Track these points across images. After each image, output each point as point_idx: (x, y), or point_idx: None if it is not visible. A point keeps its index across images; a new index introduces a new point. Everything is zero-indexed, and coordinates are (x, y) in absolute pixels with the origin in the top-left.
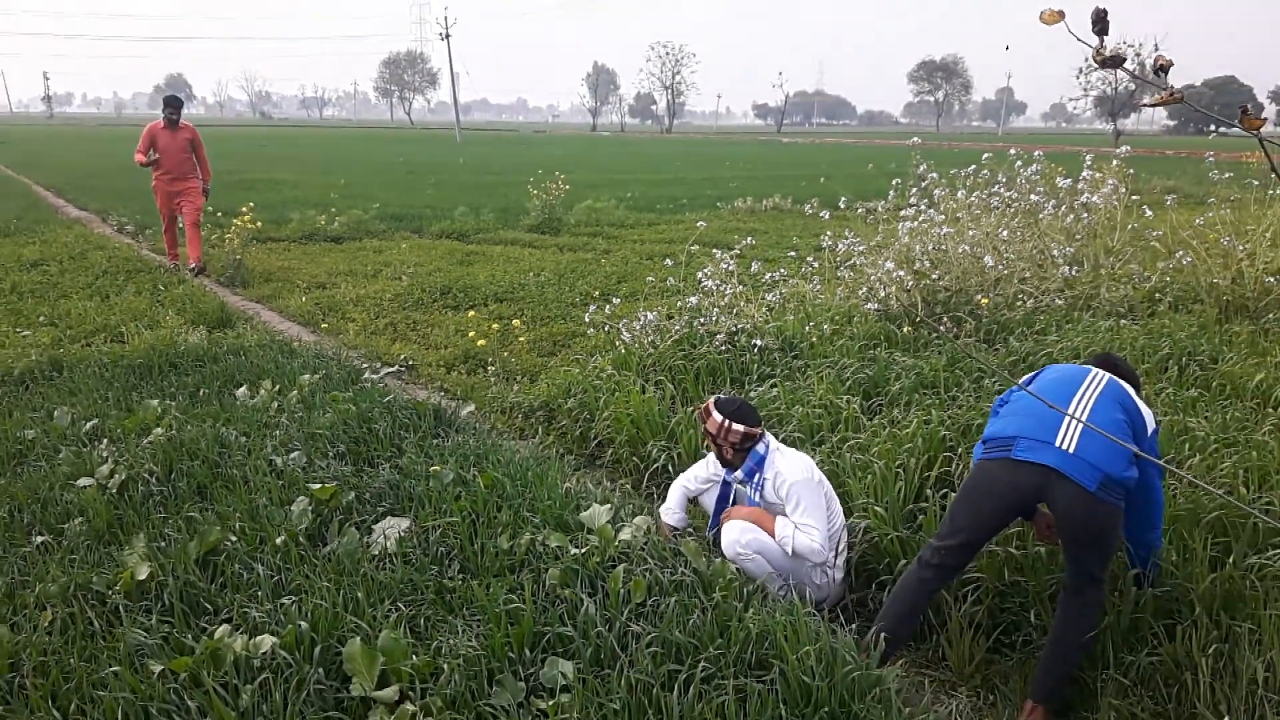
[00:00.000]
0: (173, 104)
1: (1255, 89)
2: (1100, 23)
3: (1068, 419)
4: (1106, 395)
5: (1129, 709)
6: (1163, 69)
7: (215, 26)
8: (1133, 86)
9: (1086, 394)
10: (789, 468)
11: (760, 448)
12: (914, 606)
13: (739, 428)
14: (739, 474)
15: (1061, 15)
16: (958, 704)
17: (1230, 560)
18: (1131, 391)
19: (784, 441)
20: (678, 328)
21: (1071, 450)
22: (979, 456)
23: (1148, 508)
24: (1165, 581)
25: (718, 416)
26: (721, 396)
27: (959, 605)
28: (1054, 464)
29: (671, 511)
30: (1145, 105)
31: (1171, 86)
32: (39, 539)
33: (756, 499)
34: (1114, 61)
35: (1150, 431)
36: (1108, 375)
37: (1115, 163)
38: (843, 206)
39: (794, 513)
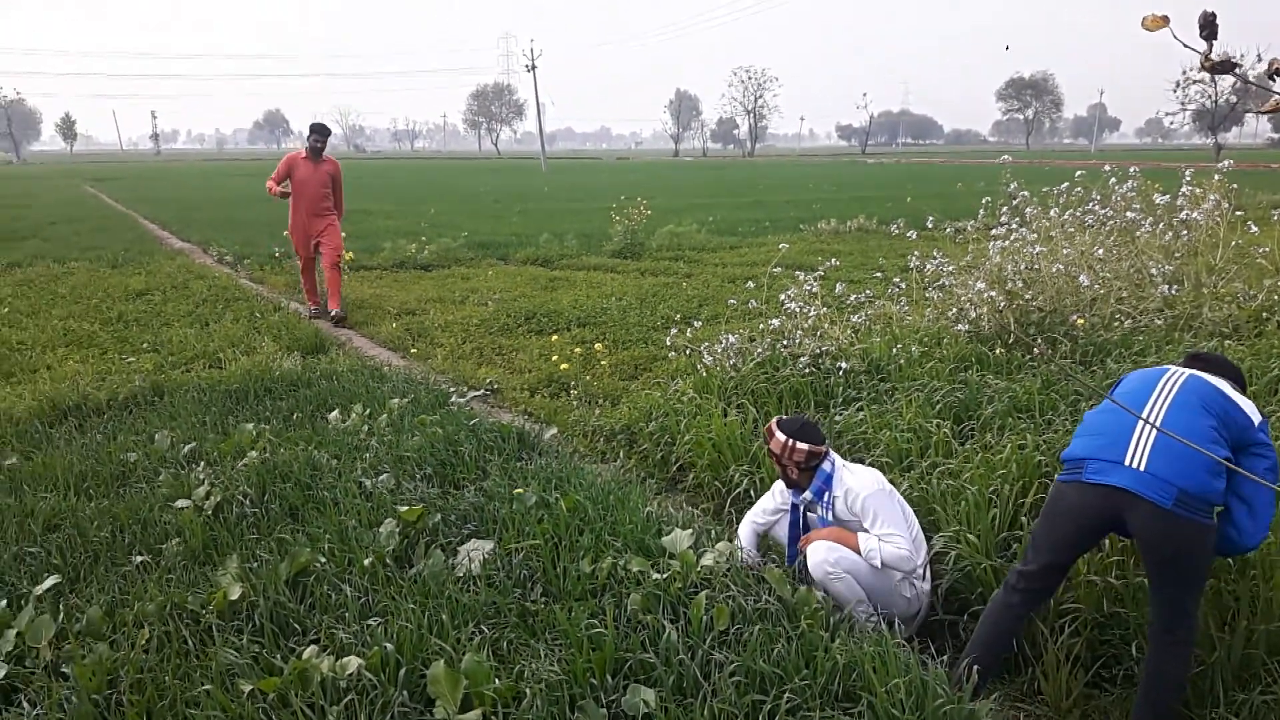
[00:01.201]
0: (320, 132)
1: None
2: (1208, 26)
3: (1137, 434)
4: (1185, 396)
5: None
6: (1277, 73)
7: (311, 63)
8: (1234, 99)
9: (1160, 398)
10: (858, 482)
11: (826, 466)
12: (1003, 634)
13: (804, 446)
14: (808, 494)
15: (1166, 20)
16: None
17: None
18: (1224, 386)
19: (872, 467)
20: (760, 350)
21: (1142, 468)
22: (1058, 479)
23: (1254, 509)
24: (1278, 615)
25: (781, 436)
26: (784, 417)
27: (1056, 637)
28: (1125, 484)
29: (743, 550)
30: (1259, 112)
31: None
32: (138, 559)
33: (829, 519)
34: (1224, 67)
35: (1258, 424)
36: (1188, 372)
37: (1217, 177)
38: (930, 226)
39: (873, 526)
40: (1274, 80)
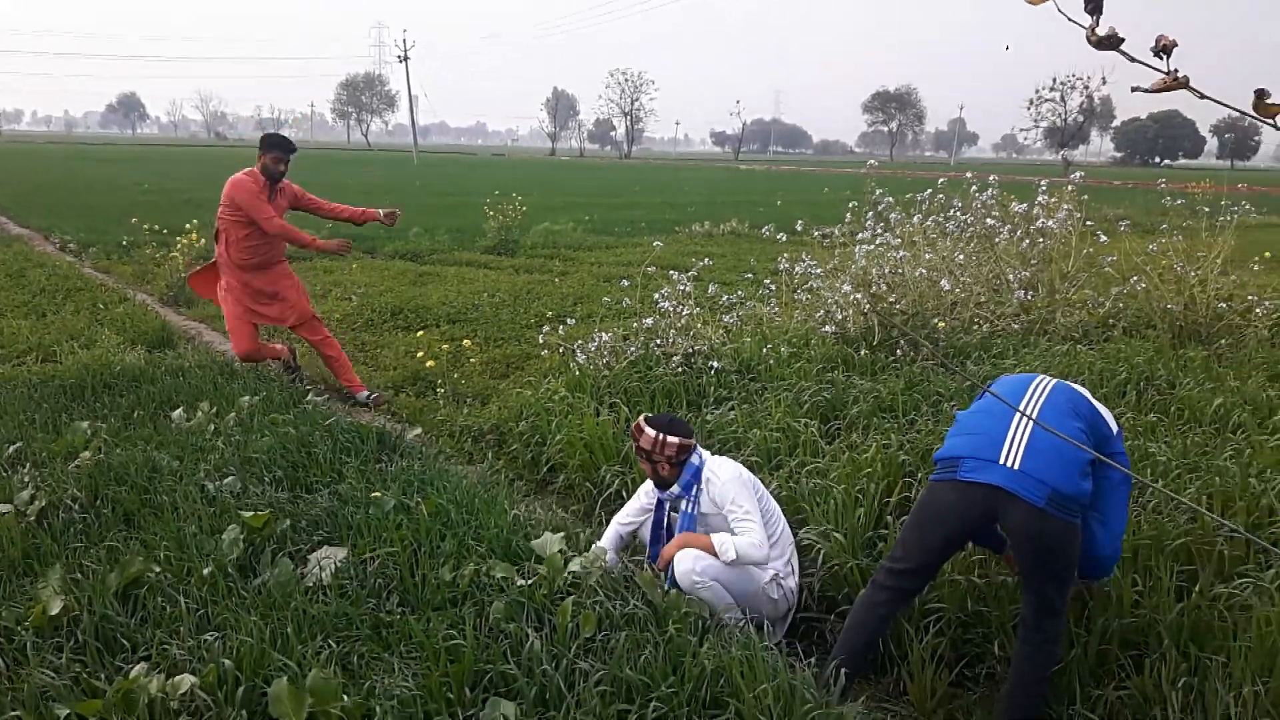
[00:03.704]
0: (281, 148)
1: (1198, 123)
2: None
3: (1011, 434)
4: (1055, 400)
5: None
6: (1165, 50)
7: (170, 46)
8: (1081, 118)
9: (1032, 402)
10: (722, 471)
11: (694, 459)
12: (871, 633)
13: (674, 440)
14: (675, 489)
15: None
16: None
17: (1197, 589)
18: (1086, 394)
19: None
20: (633, 349)
21: (1016, 467)
22: (931, 477)
23: (1107, 520)
24: (1129, 612)
25: (651, 432)
26: (651, 415)
27: (920, 637)
28: (1000, 483)
29: (606, 554)
30: (1147, 91)
31: (1175, 70)
32: None
33: (693, 513)
34: (1110, 42)
35: (1116, 433)
36: (1055, 380)
37: (1070, 188)
38: (799, 230)
39: (730, 508)
40: (1160, 58)
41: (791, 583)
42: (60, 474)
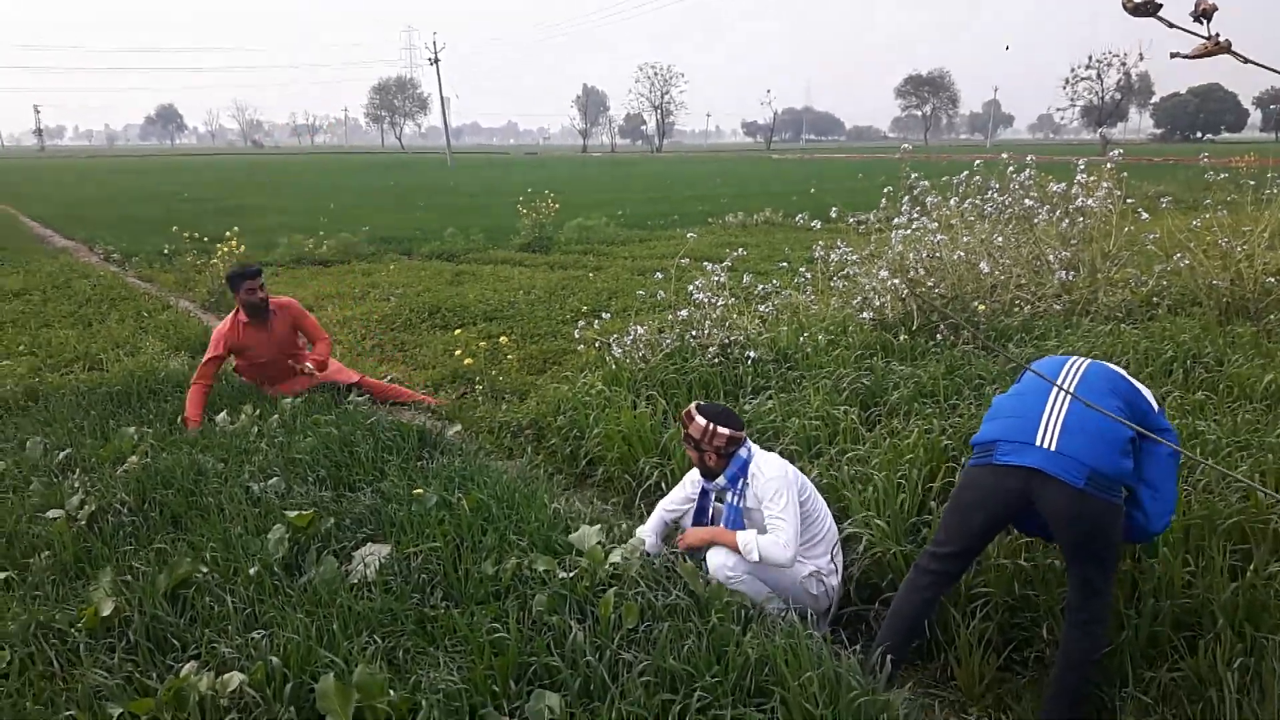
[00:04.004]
0: (248, 276)
1: (1240, 95)
2: None
3: (1047, 415)
4: (1091, 379)
5: None
6: (1205, 14)
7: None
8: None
9: (1067, 382)
10: (769, 467)
11: (743, 452)
12: (916, 617)
13: (724, 431)
14: (721, 480)
15: None
16: None
17: (1252, 568)
18: (1123, 372)
19: (780, 454)
20: (669, 342)
21: (1053, 448)
22: (969, 464)
23: (1159, 492)
24: (1182, 593)
25: (701, 421)
26: (702, 403)
27: (968, 622)
28: (1036, 465)
29: (646, 535)
30: (1184, 56)
31: (1216, 34)
32: (2, 575)
33: (739, 505)
34: (1146, 8)
35: (1157, 410)
36: (1090, 360)
37: (1109, 165)
38: (834, 218)
39: (767, 505)
40: (1201, 23)
41: (834, 580)
42: (109, 479)
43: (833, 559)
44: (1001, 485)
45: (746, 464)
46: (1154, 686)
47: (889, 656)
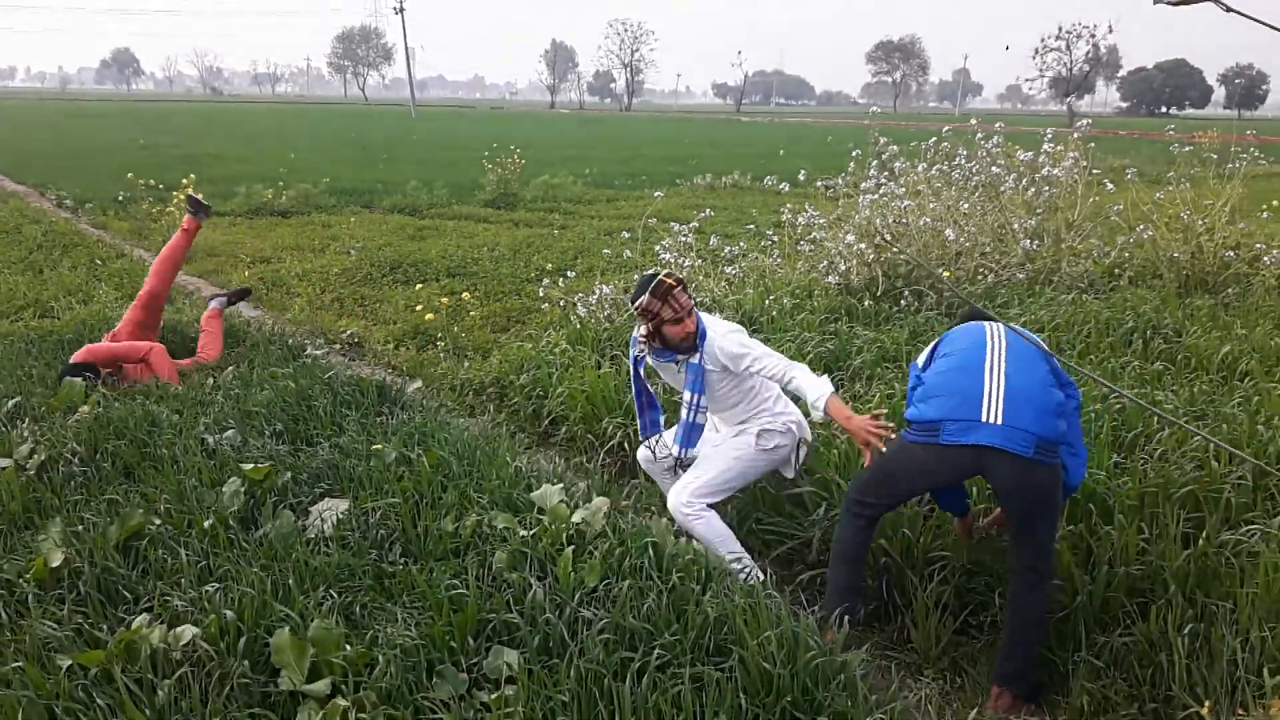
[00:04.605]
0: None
1: (1205, 71)
2: None
3: (987, 390)
4: (1017, 347)
5: (1102, 691)
6: None
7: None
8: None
9: (995, 352)
10: (719, 324)
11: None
12: (858, 558)
13: (686, 293)
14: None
15: None
16: (925, 688)
17: (1204, 536)
18: (1029, 333)
19: None
20: None
21: (999, 422)
22: (905, 436)
23: (1076, 449)
24: (1136, 559)
25: (674, 291)
26: (649, 280)
27: (924, 585)
28: (988, 442)
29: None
30: (1169, 3)
31: None
32: None
33: (707, 366)
34: None
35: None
36: (999, 324)
37: (1076, 135)
38: (802, 181)
39: (746, 359)
40: None
41: (786, 418)
42: (60, 428)
43: (775, 400)
44: (949, 463)
45: (704, 330)
46: (1106, 650)
47: (846, 617)
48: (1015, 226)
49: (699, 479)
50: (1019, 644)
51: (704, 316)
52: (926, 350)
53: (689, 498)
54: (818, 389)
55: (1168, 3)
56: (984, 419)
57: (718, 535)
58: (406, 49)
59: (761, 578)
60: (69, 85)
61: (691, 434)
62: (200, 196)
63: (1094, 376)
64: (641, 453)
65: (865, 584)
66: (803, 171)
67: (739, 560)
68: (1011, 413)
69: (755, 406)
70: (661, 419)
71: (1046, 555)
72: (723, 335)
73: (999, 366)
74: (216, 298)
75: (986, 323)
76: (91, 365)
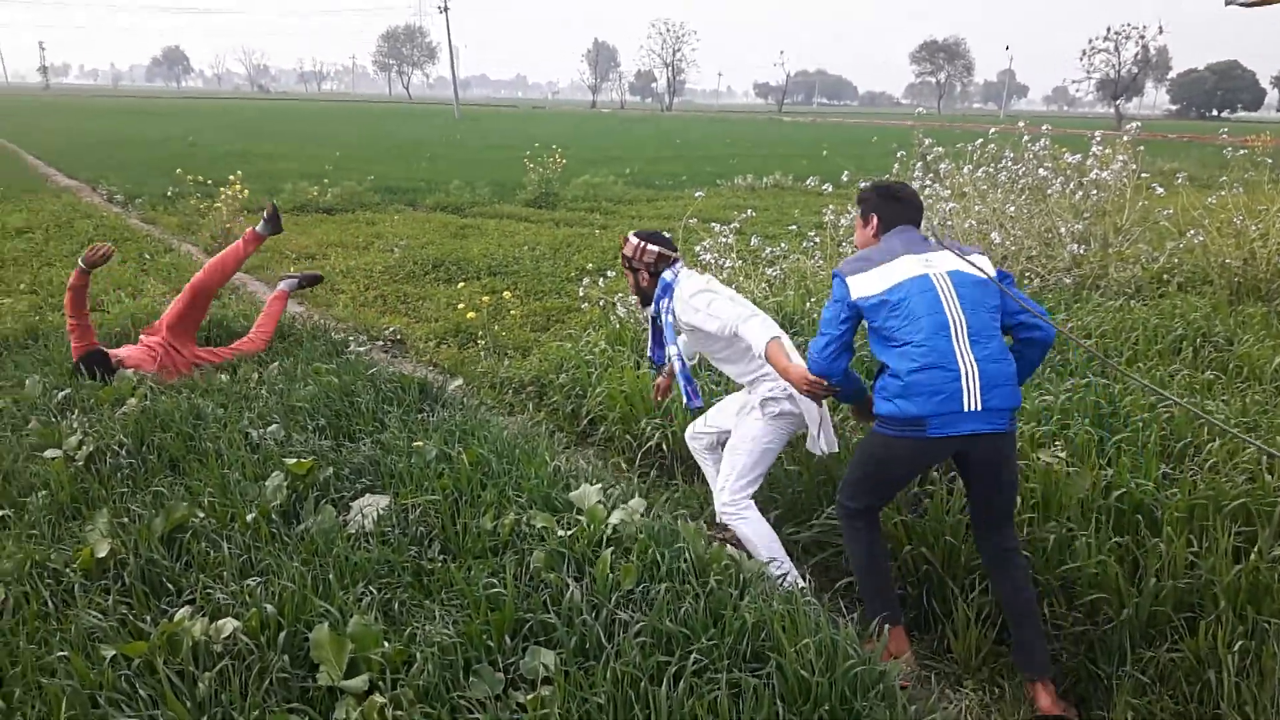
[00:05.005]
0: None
1: (1258, 75)
2: None
3: (964, 379)
4: (967, 295)
5: (1148, 708)
6: None
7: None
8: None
9: (952, 311)
10: (689, 284)
11: (668, 275)
12: (878, 564)
13: (654, 248)
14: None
15: None
16: (965, 699)
17: (1256, 550)
18: (972, 263)
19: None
20: None
21: (980, 408)
22: (884, 431)
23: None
24: (1184, 573)
25: (634, 240)
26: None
27: (965, 595)
28: (975, 429)
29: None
30: (1243, 5)
31: None
32: None
33: (670, 321)
34: None
35: (996, 274)
36: (945, 268)
37: (1125, 138)
38: (845, 181)
39: (701, 311)
40: None
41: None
42: (107, 420)
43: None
44: (934, 452)
45: (670, 285)
46: (1152, 666)
47: (886, 625)
48: (1062, 230)
49: (730, 473)
50: (1028, 628)
51: (686, 276)
52: (839, 305)
53: (729, 496)
54: (759, 335)
55: (1240, 4)
56: (966, 409)
57: (760, 537)
58: (450, 48)
59: (802, 584)
60: (120, 82)
61: (688, 385)
62: (278, 214)
63: (1143, 383)
64: (688, 430)
65: (896, 585)
66: (846, 172)
67: (780, 565)
68: (989, 395)
69: (756, 366)
70: (667, 355)
71: (1011, 524)
72: (686, 298)
73: (967, 349)
74: (286, 279)
75: (928, 270)
76: (103, 357)
